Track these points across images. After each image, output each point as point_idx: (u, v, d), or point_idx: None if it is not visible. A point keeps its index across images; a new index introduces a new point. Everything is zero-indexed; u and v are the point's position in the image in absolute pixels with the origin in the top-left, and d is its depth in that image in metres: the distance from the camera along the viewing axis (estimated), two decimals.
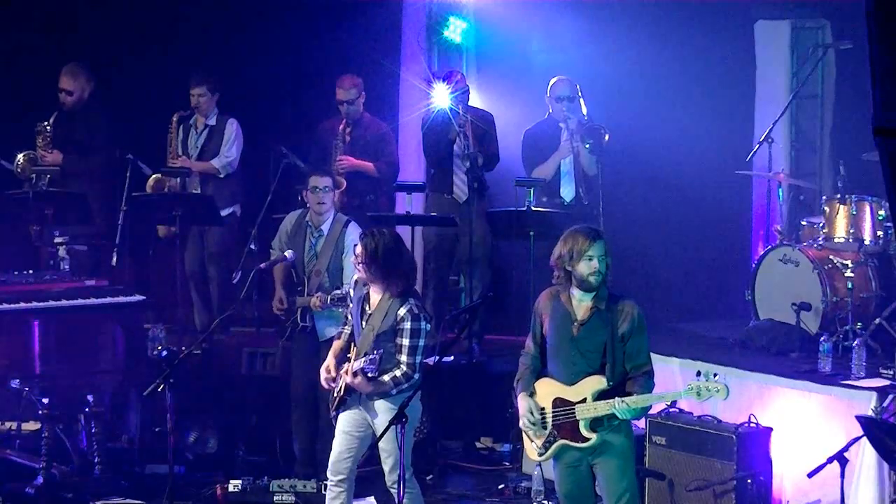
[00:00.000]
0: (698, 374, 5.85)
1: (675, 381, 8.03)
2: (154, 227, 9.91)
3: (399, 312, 6.55)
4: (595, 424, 5.91)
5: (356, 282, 6.80)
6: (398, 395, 6.57)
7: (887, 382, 7.30)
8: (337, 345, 6.89)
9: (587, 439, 5.91)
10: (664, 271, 9.97)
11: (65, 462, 8.01)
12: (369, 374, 6.52)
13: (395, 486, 6.61)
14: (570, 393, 5.96)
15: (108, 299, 8.18)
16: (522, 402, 6.10)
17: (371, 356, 6.48)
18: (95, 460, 7.95)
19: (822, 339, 7.80)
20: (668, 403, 7.65)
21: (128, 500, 7.89)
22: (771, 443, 7.41)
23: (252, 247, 9.19)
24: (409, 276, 6.73)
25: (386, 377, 6.54)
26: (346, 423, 6.73)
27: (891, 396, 7.11)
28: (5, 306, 7.75)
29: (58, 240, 8.71)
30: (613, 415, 5.88)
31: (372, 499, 7.83)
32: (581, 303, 6.02)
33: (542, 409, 6.03)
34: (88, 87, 9.88)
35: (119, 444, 8.48)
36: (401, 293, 6.62)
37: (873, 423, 6.49)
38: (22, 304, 7.81)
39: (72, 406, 8.02)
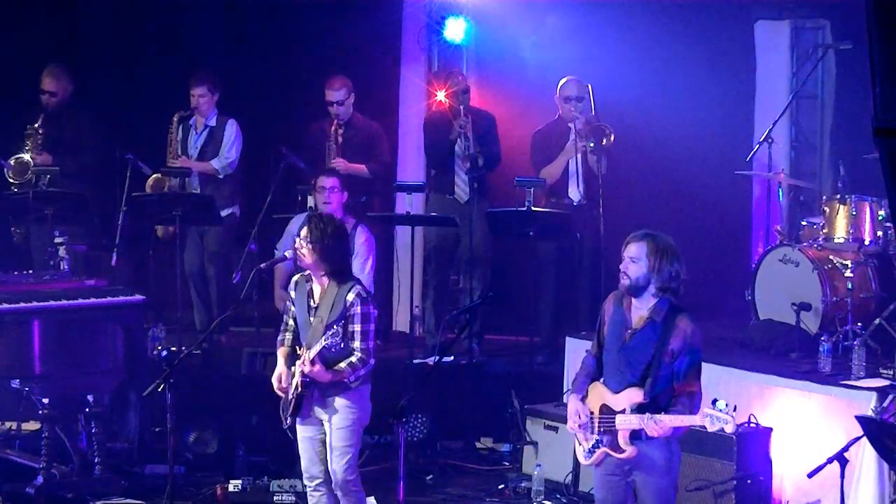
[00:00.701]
0: (714, 402, 5.75)
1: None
2: (153, 227, 9.92)
3: (348, 298, 6.50)
4: (634, 437, 5.82)
5: (296, 283, 6.76)
6: (355, 388, 6.55)
7: (887, 382, 7.30)
8: (283, 351, 6.73)
9: (624, 451, 5.85)
10: None
11: (65, 462, 8.00)
12: (333, 350, 6.43)
13: (344, 488, 6.60)
14: (615, 401, 5.88)
15: (108, 299, 8.17)
16: (571, 404, 6.04)
17: (331, 331, 6.37)
18: (95, 460, 7.95)
19: (822, 339, 7.80)
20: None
21: (128, 500, 7.88)
22: (771, 443, 7.41)
23: (252, 247, 9.20)
24: (349, 262, 6.80)
25: (343, 364, 6.48)
26: (306, 430, 6.68)
27: (891, 396, 7.10)
28: (5, 306, 7.75)
29: (58, 240, 8.71)
30: None
31: (372, 499, 7.82)
32: (637, 310, 5.92)
33: (592, 413, 5.96)
34: (70, 87, 9.86)
35: (119, 444, 8.48)
36: (348, 278, 6.63)
37: (873, 423, 6.48)
38: (22, 304, 7.81)
39: (72, 406, 8.02)
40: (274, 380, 6.69)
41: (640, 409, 5.78)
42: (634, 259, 5.84)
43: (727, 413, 5.68)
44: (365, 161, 9.66)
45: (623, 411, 5.83)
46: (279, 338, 6.83)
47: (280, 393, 6.66)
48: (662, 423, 5.72)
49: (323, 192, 8.27)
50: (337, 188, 8.28)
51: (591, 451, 5.99)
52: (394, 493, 6.28)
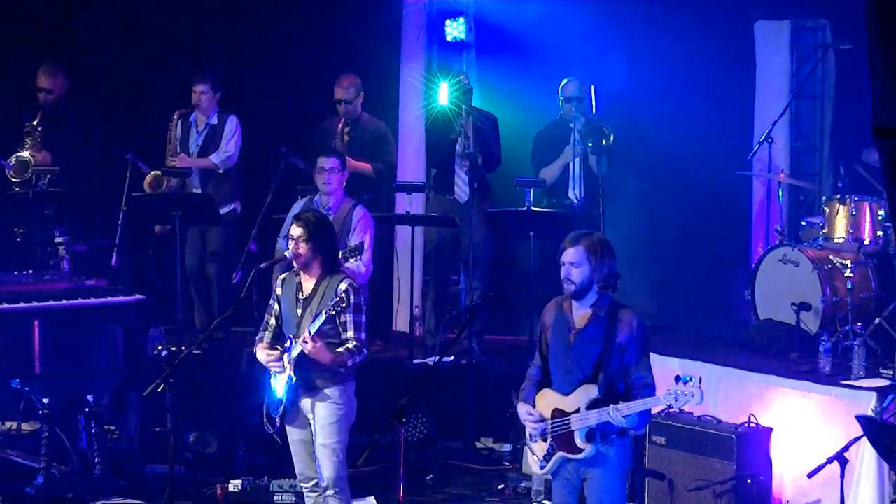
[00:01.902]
0: (677, 378, 5.75)
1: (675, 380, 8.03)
2: (153, 226, 9.91)
3: (340, 287, 6.51)
4: (590, 436, 5.78)
5: (283, 280, 6.77)
6: (340, 383, 6.55)
7: (887, 382, 7.30)
8: (263, 346, 6.71)
9: (582, 450, 5.79)
10: (664, 271, 9.97)
11: (65, 462, 8.01)
12: (328, 337, 6.44)
13: (332, 485, 6.58)
14: (567, 403, 5.85)
15: (108, 299, 8.17)
16: (521, 410, 6.03)
17: (333, 301, 6.36)
18: (95, 460, 7.96)
19: (822, 339, 7.80)
20: (667, 404, 7.66)
21: (128, 500, 7.89)
22: (771, 443, 7.41)
23: (252, 247, 9.19)
24: (338, 255, 6.84)
25: (340, 348, 6.50)
26: (296, 432, 6.68)
27: (891, 396, 7.11)
28: (5, 306, 7.75)
29: (58, 240, 8.71)
30: (608, 427, 5.74)
31: (372, 499, 7.83)
32: (579, 311, 5.92)
33: (544, 419, 5.93)
34: (66, 85, 9.85)
35: (119, 444, 8.48)
36: (338, 270, 6.67)
37: (873, 423, 6.49)
38: (22, 304, 7.81)
39: (72, 406, 8.02)
40: (260, 353, 6.66)
41: (594, 404, 5.75)
42: (576, 264, 5.84)
43: (693, 387, 5.67)
44: (370, 160, 9.67)
45: (577, 411, 5.79)
46: (258, 336, 6.81)
47: (272, 362, 6.61)
48: (628, 411, 5.68)
49: (323, 172, 8.29)
50: (337, 169, 8.29)
51: (545, 460, 5.92)
52: (394, 493, 6.27)
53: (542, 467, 5.97)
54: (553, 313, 6.02)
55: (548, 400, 5.95)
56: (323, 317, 6.41)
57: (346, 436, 6.62)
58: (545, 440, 5.92)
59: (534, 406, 5.99)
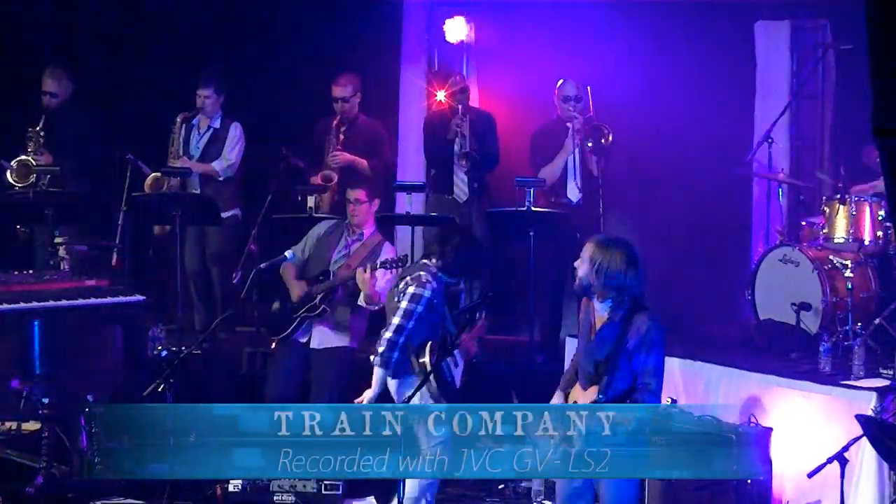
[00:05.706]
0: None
1: (675, 380, 8.03)
2: (153, 226, 9.92)
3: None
4: None
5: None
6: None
7: (887, 382, 7.30)
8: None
9: None
10: (664, 271, 9.96)
11: (65, 462, 8.00)
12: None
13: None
14: (583, 398, 5.98)
15: (108, 299, 8.16)
16: (555, 400, 6.18)
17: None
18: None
19: (822, 339, 7.79)
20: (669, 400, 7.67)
21: (128, 501, 7.88)
22: (771, 443, 7.40)
23: (252, 247, 9.19)
24: None
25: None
26: None
27: (891, 396, 7.11)
28: (5, 306, 7.75)
29: (58, 240, 8.71)
30: None
31: (372, 499, 7.82)
32: (600, 313, 6.03)
33: None
34: (71, 87, 9.86)
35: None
36: None
37: (873, 423, 6.49)
38: (22, 304, 7.80)
39: (72, 406, 8.01)
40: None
41: None
42: (582, 259, 5.95)
43: None
44: (366, 159, 9.66)
45: None
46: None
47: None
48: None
49: (348, 204, 8.22)
50: (363, 200, 8.21)
51: None
52: (394, 493, 6.27)
53: None
54: (584, 310, 6.16)
55: (574, 392, 6.11)
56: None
57: None
58: None
59: (567, 397, 6.12)
